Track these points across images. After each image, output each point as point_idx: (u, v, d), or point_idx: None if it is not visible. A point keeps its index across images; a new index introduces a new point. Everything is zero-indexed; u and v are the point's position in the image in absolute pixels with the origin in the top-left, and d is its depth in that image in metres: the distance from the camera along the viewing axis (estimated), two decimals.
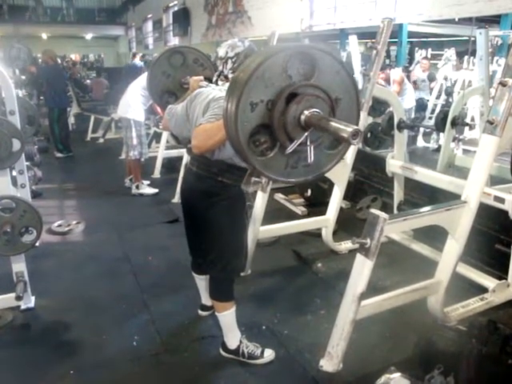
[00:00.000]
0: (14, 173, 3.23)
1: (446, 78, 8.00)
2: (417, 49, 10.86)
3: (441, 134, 6.15)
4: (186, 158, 4.44)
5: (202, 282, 2.66)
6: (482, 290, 2.90)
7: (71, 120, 9.02)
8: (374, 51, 3.23)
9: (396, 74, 7.02)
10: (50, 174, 5.86)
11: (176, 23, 14.33)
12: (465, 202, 2.42)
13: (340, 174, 3.46)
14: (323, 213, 3.69)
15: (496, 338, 2.09)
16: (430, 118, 7.55)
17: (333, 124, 1.49)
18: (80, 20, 22.79)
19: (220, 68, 2.19)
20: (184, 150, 4.36)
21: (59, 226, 4.25)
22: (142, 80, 4.83)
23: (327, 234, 3.65)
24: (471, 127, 6.24)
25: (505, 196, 2.74)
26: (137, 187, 5.19)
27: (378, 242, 2.11)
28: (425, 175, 3.41)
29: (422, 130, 7.27)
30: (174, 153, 5.90)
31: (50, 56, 7.05)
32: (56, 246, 3.89)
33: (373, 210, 2.18)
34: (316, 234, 3.81)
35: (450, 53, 8.25)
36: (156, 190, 5.27)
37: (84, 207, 4.90)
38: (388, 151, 4.06)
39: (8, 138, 2.68)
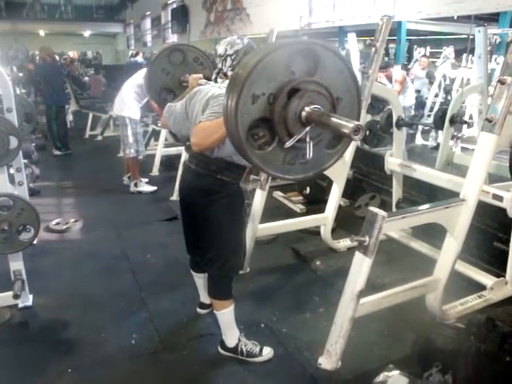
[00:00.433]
0: (12, 170, 3.22)
1: (444, 76, 8.00)
2: (415, 47, 10.84)
3: (439, 132, 6.15)
4: (184, 156, 4.44)
5: (200, 280, 2.65)
6: (481, 287, 2.90)
7: (69, 117, 9.01)
8: (373, 49, 3.22)
9: (398, 73, 7.02)
10: (48, 171, 5.85)
11: (174, 20, 14.30)
12: (463, 200, 2.42)
13: (339, 172, 3.46)
14: (322, 211, 3.68)
15: (494, 336, 2.09)
16: (429, 115, 7.55)
17: (334, 120, 1.48)
18: (78, 17, 22.72)
19: (219, 66, 2.18)
20: (182, 148, 4.35)
21: (57, 224, 4.23)
22: (136, 78, 4.82)
23: (326, 232, 3.65)
24: (470, 125, 6.24)
25: (503, 194, 2.74)
26: (135, 185, 5.18)
27: (377, 240, 2.11)
28: (423, 173, 3.42)
29: (420, 127, 7.27)
30: (172, 151, 5.90)
31: (48, 53, 7.02)
32: (54, 244, 3.89)
33: (371, 208, 2.17)
34: (315, 232, 3.81)
35: (449, 51, 8.25)
36: (154, 188, 5.26)
37: (82, 205, 4.89)
38: (387, 149, 4.06)
39: (5, 135, 2.66)
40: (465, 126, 5.93)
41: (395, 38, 8.72)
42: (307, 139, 1.57)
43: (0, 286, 2.85)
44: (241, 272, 2.61)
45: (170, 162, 5.95)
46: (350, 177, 4.14)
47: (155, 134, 6.35)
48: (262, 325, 2.71)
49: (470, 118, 6.32)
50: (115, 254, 3.66)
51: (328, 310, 2.72)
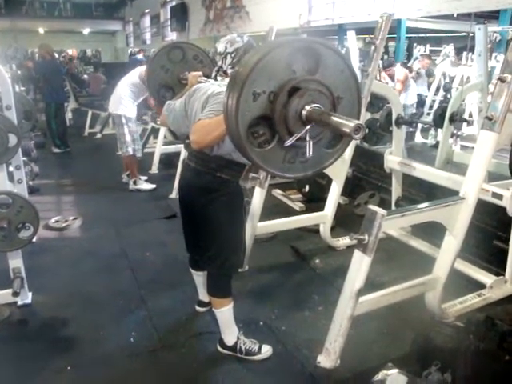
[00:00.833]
0: (11, 168, 3.21)
1: (444, 74, 8.00)
2: (415, 44, 10.85)
3: (439, 130, 6.15)
4: (183, 154, 4.43)
5: (199, 278, 2.65)
6: (480, 286, 2.90)
7: (68, 115, 8.99)
8: (373, 47, 3.22)
9: (400, 73, 7.02)
10: (47, 169, 5.85)
11: (174, 18, 14.26)
12: (463, 199, 2.42)
13: (338, 170, 3.46)
14: (321, 209, 3.68)
15: (493, 335, 2.09)
16: (429, 113, 7.55)
17: (334, 119, 1.48)
18: (77, 15, 22.65)
19: (219, 63, 2.17)
20: (182, 146, 4.34)
21: (56, 221, 4.23)
22: (131, 76, 4.80)
23: (325, 230, 3.65)
24: (469, 123, 6.24)
25: (503, 192, 2.74)
26: (134, 183, 5.18)
27: (376, 238, 2.11)
28: (423, 171, 3.41)
29: (420, 125, 7.27)
30: (171, 148, 5.90)
31: (47, 51, 7.01)
32: (53, 242, 3.88)
33: (371, 206, 2.17)
34: (314, 230, 3.81)
35: (449, 49, 8.25)
36: (153, 186, 5.25)
37: (81, 203, 4.88)
38: (386, 147, 4.05)
39: (4, 133, 2.66)
40: (464, 124, 5.94)
41: (395, 35, 8.72)
42: (307, 138, 1.56)
43: None
44: (240, 270, 2.60)
45: (169, 160, 5.94)
46: (349, 175, 4.13)
47: (154, 132, 6.33)
48: (261, 323, 2.71)
49: (470, 116, 6.31)
50: (114, 252, 3.66)
51: (327, 308, 2.72)
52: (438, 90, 8.07)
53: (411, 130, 7.18)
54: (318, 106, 1.53)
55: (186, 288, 2.95)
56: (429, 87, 8.13)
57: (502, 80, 2.35)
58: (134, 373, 2.35)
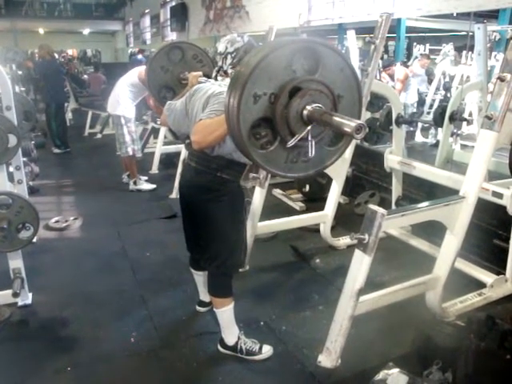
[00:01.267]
0: (11, 169, 3.21)
1: (444, 73, 7.99)
2: (415, 44, 10.84)
3: (439, 129, 6.15)
4: (183, 154, 4.43)
5: (200, 277, 2.65)
6: (481, 285, 2.90)
7: (69, 115, 8.99)
8: (373, 46, 3.21)
9: (400, 72, 7.02)
10: (47, 169, 5.86)
11: (174, 18, 14.28)
12: (463, 198, 2.42)
13: (338, 170, 3.46)
14: (321, 208, 3.68)
15: (494, 334, 2.09)
16: (429, 113, 7.55)
17: (336, 118, 1.49)
18: (77, 15, 22.69)
19: (219, 63, 2.17)
20: (182, 146, 4.34)
21: (56, 221, 4.23)
22: (130, 76, 4.78)
23: (325, 230, 3.65)
24: (469, 122, 6.25)
25: (503, 191, 2.74)
26: (134, 183, 5.17)
27: (376, 238, 2.11)
28: (423, 170, 3.41)
29: (420, 125, 7.27)
30: (171, 148, 5.89)
31: (47, 51, 7.00)
32: (53, 242, 3.88)
33: (371, 206, 2.17)
34: (314, 230, 3.81)
35: (448, 48, 8.24)
36: (154, 186, 5.25)
37: (81, 203, 4.88)
38: (386, 146, 4.05)
39: (4, 133, 2.66)
40: (464, 123, 5.94)
41: (395, 35, 8.72)
42: (309, 138, 1.56)
43: None
44: (240, 270, 2.61)
45: (169, 160, 5.93)
46: (349, 174, 4.14)
47: (154, 132, 6.33)
48: (262, 323, 2.71)
49: (470, 115, 6.31)
50: (115, 252, 3.66)
51: (327, 307, 2.72)
52: (437, 89, 8.06)
53: (411, 129, 7.18)
54: (319, 105, 1.53)
55: (186, 288, 2.95)
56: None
57: (501, 79, 2.35)
58: (134, 372, 2.35)
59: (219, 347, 2.44)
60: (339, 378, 2.25)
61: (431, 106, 7.63)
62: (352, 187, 4.63)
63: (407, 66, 8.49)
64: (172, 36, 14.98)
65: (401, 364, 2.17)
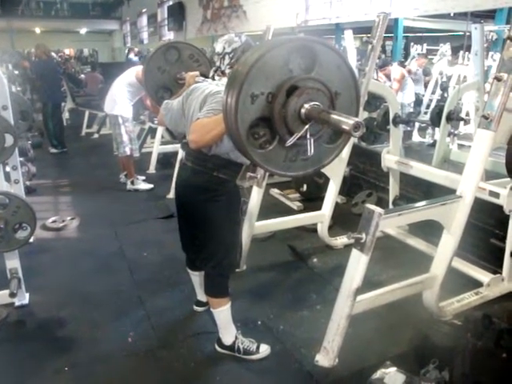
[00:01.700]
0: (8, 168, 3.20)
1: (441, 73, 8.00)
2: (412, 44, 10.85)
3: (436, 129, 6.16)
4: (181, 154, 4.42)
5: (196, 277, 2.65)
6: (477, 284, 2.91)
7: (65, 115, 8.96)
8: (370, 46, 3.22)
9: (396, 72, 7.02)
10: (44, 169, 5.84)
11: (171, 18, 14.28)
12: (460, 197, 2.43)
13: (336, 169, 3.46)
14: (319, 208, 3.69)
15: (491, 333, 2.09)
16: (426, 112, 7.56)
17: (334, 116, 1.49)
18: (74, 14, 22.67)
19: (217, 64, 2.17)
20: (179, 146, 4.34)
21: (53, 221, 4.22)
22: (127, 76, 4.77)
23: (323, 229, 3.65)
24: (466, 122, 6.25)
25: (500, 190, 2.75)
26: (132, 183, 5.17)
27: (374, 237, 2.11)
28: (420, 170, 3.42)
29: (417, 124, 7.27)
30: (169, 148, 5.88)
31: (44, 51, 6.98)
32: (50, 242, 3.87)
33: (368, 205, 2.17)
34: (311, 229, 3.81)
35: (445, 48, 8.25)
36: (151, 186, 5.24)
37: (78, 203, 4.87)
38: (383, 146, 4.06)
39: (1, 133, 2.65)
40: (461, 122, 5.95)
41: (392, 35, 8.73)
42: (308, 136, 1.57)
43: None
44: (237, 270, 2.61)
45: (166, 160, 5.92)
46: (346, 174, 4.13)
47: (152, 132, 6.32)
48: (259, 322, 2.71)
49: (467, 114, 6.33)
50: (112, 252, 3.65)
51: (325, 307, 2.72)
52: (435, 89, 8.08)
53: (408, 129, 7.19)
54: (317, 103, 1.53)
55: (183, 288, 2.95)
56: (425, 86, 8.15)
57: (498, 79, 2.35)
58: (132, 372, 2.35)
59: (217, 347, 2.44)
60: (337, 377, 2.26)
61: (428, 106, 7.64)
62: (349, 187, 4.64)
63: (404, 66, 8.51)
64: (169, 35, 14.98)
65: (398, 363, 2.17)
